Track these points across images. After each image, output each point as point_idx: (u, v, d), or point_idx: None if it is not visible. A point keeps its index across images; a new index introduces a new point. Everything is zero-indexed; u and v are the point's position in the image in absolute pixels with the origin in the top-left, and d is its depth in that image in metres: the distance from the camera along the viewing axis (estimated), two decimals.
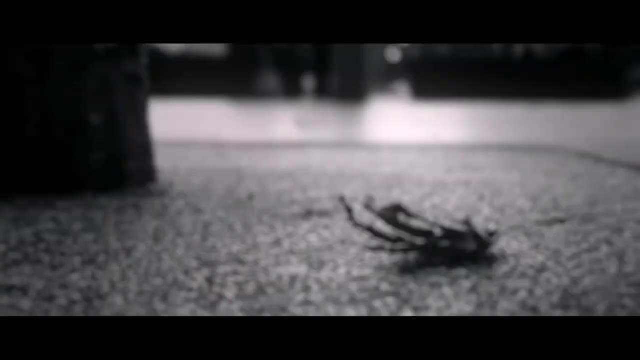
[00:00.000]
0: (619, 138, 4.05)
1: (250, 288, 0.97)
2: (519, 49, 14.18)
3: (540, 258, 1.11)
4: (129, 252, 1.18)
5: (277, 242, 1.24)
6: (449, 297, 0.92)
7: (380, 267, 1.07)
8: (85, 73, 1.79)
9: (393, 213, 1.14)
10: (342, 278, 1.01)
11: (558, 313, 0.85)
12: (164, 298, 0.93)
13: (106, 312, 0.87)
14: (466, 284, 0.98)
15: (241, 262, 1.11)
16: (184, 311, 0.87)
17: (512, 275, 1.02)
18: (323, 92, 12.55)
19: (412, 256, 1.13)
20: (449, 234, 1.15)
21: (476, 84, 13.58)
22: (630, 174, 2.21)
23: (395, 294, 0.94)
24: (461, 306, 0.88)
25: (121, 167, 1.83)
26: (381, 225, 1.37)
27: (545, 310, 0.86)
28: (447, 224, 1.41)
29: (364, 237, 1.27)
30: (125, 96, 1.84)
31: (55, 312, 0.87)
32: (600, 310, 0.86)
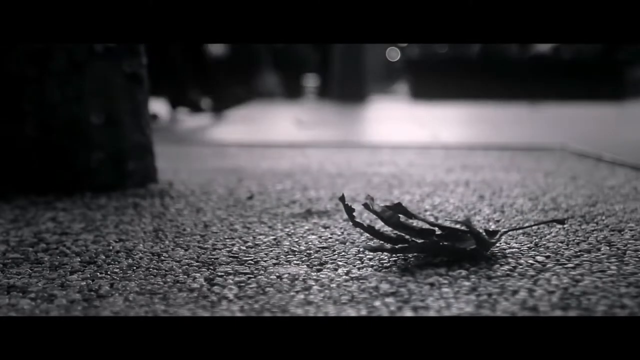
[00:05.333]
0: (619, 138, 4.05)
1: (250, 288, 0.97)
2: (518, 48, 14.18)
3: (540, 258, 1.11)
4: (129, 252, 1.18)
5: (277, 242, 1.24)
6: (449, 297, 0.92)
7: (380, 267, 1.07)
8: (85, 73, 1.79)
9: (393, 213, 1.14)
10: (342, 278, 1.01)
11: (558, 313, 0.85)
12: (164, 298, 0.93)
13: (106, 312, 0.87)
14: (466, 284, 0.98)
15: (241, 262, 1.11)
16: (184, 311, 0.87)
17: (512, 275, 1.02)
18: (323, 92, 12.55)
19: (412, 256, 1.13)
20: (449, 234, 1.15)
21: (476, 84, 13.58)
22: (630, 174, 2.21)
23: (395, 294, 0.94)
24: (461, 306, 0.88)
25: (121, 167, 1.83)
26: (381, 225, 1.37)
27: (545, 310, 0.86)
28: (447, 224, 1.41)
29: (364, 237, 1.27)
30: (125, 96, 1.84)
31: (55, 312, 0.87)
32: (600, 310, 0.86)
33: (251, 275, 1.03)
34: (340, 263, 1.10)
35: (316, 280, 1.00)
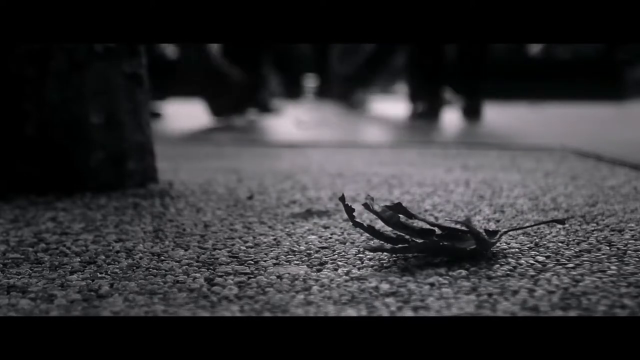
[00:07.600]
0: (619, 138, 4.05)
1: (250, 288, 0.97)
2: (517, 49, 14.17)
3: (541, 258, 1.11)
4: (129, 252, 1.18)
5: (277, 242, 1.24)
6: (449, 297, 0.92)
7: (380, 267, 1.07)
8: (85, 73, 1.79)
9: (393, 213, 1.14)
10: (342, 278, 1.01)
11: (558, 313, 0.85)
12: (164, 298, 0.93)
13: (106, 312, 0.87)
14: (466, 284, 0.98)
15: (241, 262, 1.11)
16: (184, 311, 0.87)
17: (512, 275, 1.02)
18: (323, 93, 12.55)
19: (412, 256, 1.13)
20: (449, 234, 1.15)
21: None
22: (630, 174, 2.21)
23: (395, 294, 0.94)
24: (461, 306, 0.88)
25: (121, 167, 1.83)
26: (381, 225, 1.37)
27: (545, 310, 0.86)
28: (447, 224, 1.41)
29: (364, 237, 1.27)
30: (125, 96, 1.84)
31: (55, 312, 0.87)
32: (601, 310, 0.86)
33: (251, 275, 1.03)
34: (340, 263, 1.10)
35: (316, 280, 1.00)
